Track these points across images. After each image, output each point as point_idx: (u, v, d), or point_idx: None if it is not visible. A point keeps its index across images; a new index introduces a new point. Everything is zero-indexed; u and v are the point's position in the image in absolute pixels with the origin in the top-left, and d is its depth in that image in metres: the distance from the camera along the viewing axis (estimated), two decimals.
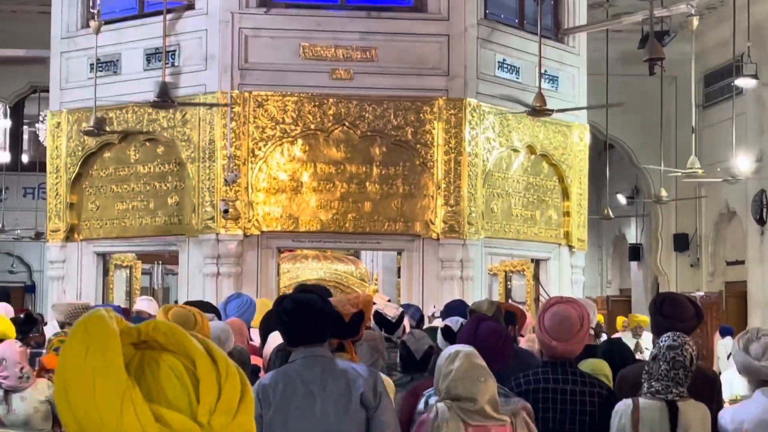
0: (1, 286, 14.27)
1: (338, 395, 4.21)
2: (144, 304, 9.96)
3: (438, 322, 8.40)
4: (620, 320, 16.17)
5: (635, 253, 23.06)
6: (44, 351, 7.50)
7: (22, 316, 8.78)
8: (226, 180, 11.16)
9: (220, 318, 7.29)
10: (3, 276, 26.25)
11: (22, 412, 6.40)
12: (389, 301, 8.22)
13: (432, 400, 4.71)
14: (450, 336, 5.75)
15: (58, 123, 12.60)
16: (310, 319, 4.31)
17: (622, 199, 22.10)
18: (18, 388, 6.42)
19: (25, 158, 25.44)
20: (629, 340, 13.54)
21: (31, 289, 27.09)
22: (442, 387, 4.38)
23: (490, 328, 5.10)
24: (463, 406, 4.33)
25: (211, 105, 11.36)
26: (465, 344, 4.61)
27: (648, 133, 18.90)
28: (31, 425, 6.42)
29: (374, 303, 7.00)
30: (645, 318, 13.43)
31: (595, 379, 5.01)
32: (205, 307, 7.41)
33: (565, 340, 4.88)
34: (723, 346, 15.25)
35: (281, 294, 11.85)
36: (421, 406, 4.78)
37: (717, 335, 16.25)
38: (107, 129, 11.82)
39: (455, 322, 5.89)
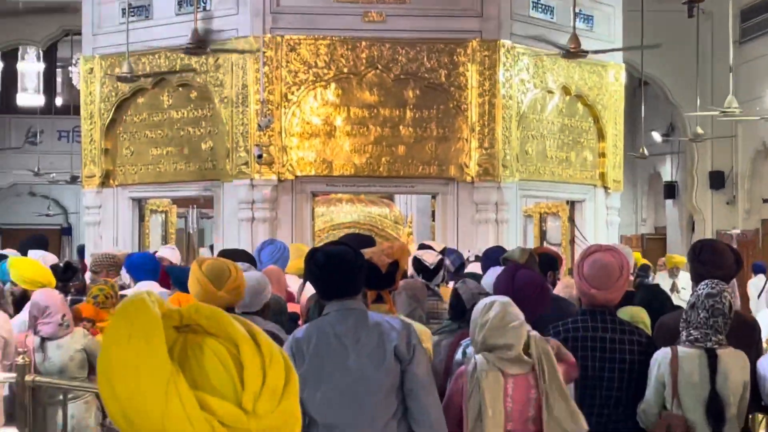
0: (39, 232, 14.35)
1: (372, 348, 4.20)
2: (167, 251, 9.89)
3: (473, 267, 8.41)
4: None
5: (670, 191, 22.93)
6: (84, 299, 7.59)
7: (61, 265, 8.86)
8: (259, 125, 11.13)
9: (255, 266, 7.31)
10: (40, 219, 26.56)
11: (58, 360, 6.48)
12: (441, 249, 8.12)
13: (469, 351, 4.73)
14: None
15: (91, 69, 12.60)
16: (342, 272, 4.29)
17: (657, 136, 21.90)
18: (55, 336, 6.50)
19: (59, 101, 25.53)
20: (665, 281, 13.52)
21: (67, 231, 27.41)
22: (479, 338, 4.40)
23: (526, 277, 5.10)
24: (500, 355, 4.35)
25: (243, 51, 11.31)
26: (502, 295, 4.62)
27: (684, 71, 18.63)
28: (66, 373, 6.51)
29: (427, 247, 6.98)
30: (682, 259, 13.36)
31: (634, 327, 5.01)
32: (240, 255, 7.42)
33: (604, 289, 4.88)
34: (754, 285, 15.15)
35: (316, 239, 11.98)
36: (458, 355, 4.79)
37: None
38: (140, 74, 11.81)
39: (494, 271, 5.83)
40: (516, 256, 6.27)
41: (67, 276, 8.15)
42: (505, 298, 4.46)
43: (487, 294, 5.70)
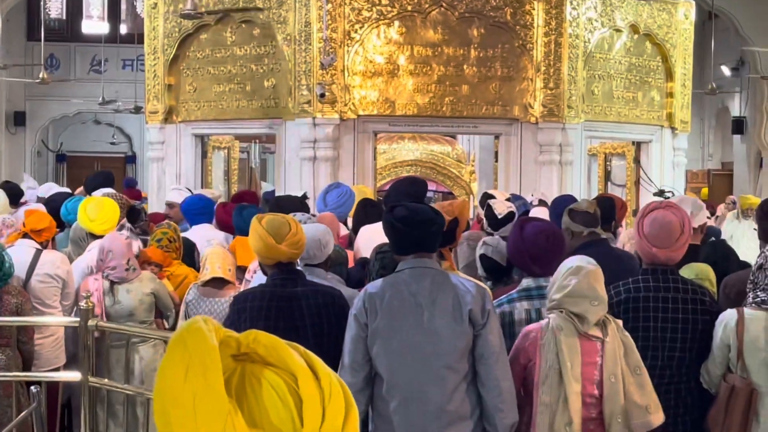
0: (105, 166, 14.50)
1: (448, 310, 4.21)
2: (174, 195, 9.60)
3: (536, 211, 8.33)
4: None
5: (739, 126, 22.53)
6: (149, 239, 7.69)
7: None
8: (322, 63, 11.07)
9: (307, 211, 7.29)
10: (105, 147, 26.91)
11: (128, 303, 6.61)
12: (511, 197, 8.01)
13: (507, 310, 4.72)
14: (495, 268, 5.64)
15: (155, 4, 12.58)
16: (422, 228, 4.29)
17: (726, 71, 21.47)
18: (124, 280, 6.61)
19: (123, 29, 25.53)
20: (732, 223, 13.26)
21: (131, 159, 27.72)
22: (555, 297, 4.38)
23: (535, 227, 5.00)
24: (573, 321, 4.34)
25: None
26: (586, 257, 4.55)
27: (755, 3, 18.22)
28: (135, 317, 6.63)
29: (490, 196, 6.94)
30: (757, 200, 13.02)
31: (697, 287, 4.94)
32: (293, 202, 7.44)
33: (666, 247, 4.81)
34: None
35: (378, 177, 11.97)
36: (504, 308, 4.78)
37: None
38: (203, 11, 11.78)
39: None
40: (584, 207, 6.22)
41: (132, 219, 8.24)
42: (593, 266, 4.41)
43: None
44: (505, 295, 4.83)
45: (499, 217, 6.49)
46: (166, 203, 9.10)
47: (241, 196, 9.50)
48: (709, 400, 4.81)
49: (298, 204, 7.38)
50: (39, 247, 6.76)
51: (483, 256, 5.59)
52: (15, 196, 10.34)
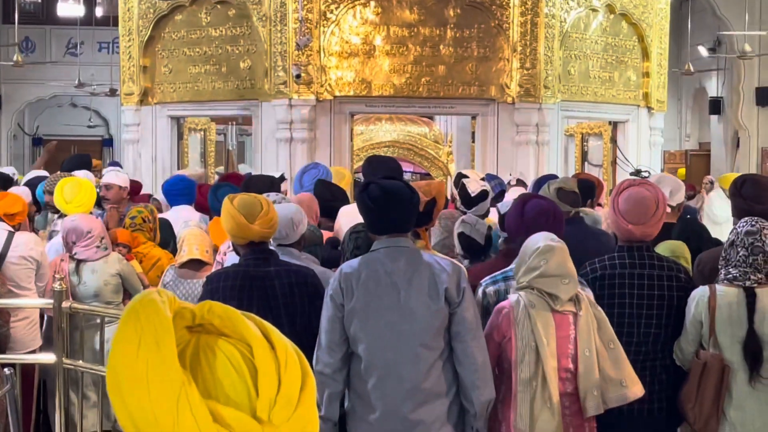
0: (84, 152, 14.34)
1: (423, 289, 4.21)
2: (111, 176, 8.75)
3: (515, 191, 8.35)
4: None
5: (716, 106, 22.62)
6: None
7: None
8: (297, 44, 11.05)
9: (278, 191, 7.24)
10: (82, 130, 26.80)
11: (93, 284, 6.58)
12: (486, 177, 8.02)
13: (490, 290, 4.72)
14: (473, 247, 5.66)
15: None
16: (397, 208, 4.27)
17: (703, 51, 21.46)
18: (90, 259, 6.57)
19: (98, 12, 25.35)
20: (713, 203, 13.31)
21: (108, 142, 27.63)
22: (524, 279, 4.39)
23: (537, 206, 5.01)
24: (545, 298, 4.37)
25: None
26: (549, 234, 4.55)
27: None
28: (101, 297, 6.60)
29: (464, 176, 6.92)
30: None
31: (673, 263, 4.96)
32: (265, 182, 7.39)
33: (641, 223, 4.83)
34: None
35: (355, 159, 11.95)
36: (479, 296, 4.77)
37: None
38: None
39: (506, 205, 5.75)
40: (571, 187, 6.23)
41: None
42: (560, 244, 4.42)
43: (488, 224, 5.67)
44: (500, 272, 4.82)
45: (472, 195, 6.44)
46: (103, 185, 8.47)
47: (227, 179, 9.38)
48: (682, 377, 4.83)
49: (269, 184, 7.30)
50: (11, 229, 6.72)
51: (461, 235, 5.59)
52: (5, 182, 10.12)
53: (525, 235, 4.66)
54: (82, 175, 8.66)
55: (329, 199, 7.10)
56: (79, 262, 6.55)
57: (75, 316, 6.10)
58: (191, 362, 1.25)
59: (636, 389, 4.40)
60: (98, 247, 6.59)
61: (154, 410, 1.21)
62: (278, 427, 1.23)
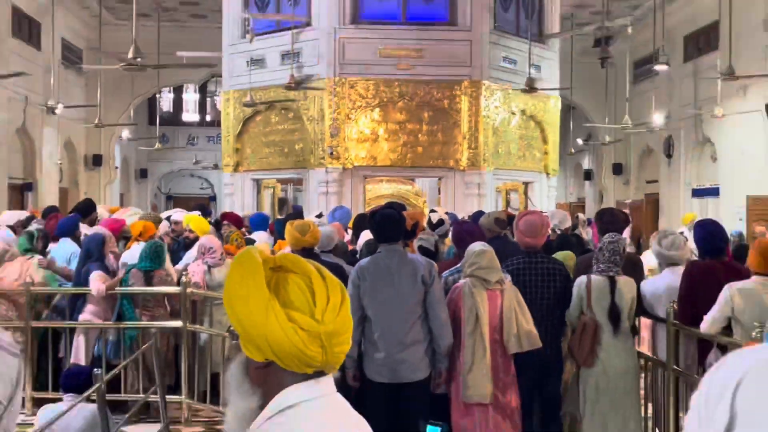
0: (200, 202, 14.43)
1: (408, 275, 4.19)
2: (178, 215, 8.05)
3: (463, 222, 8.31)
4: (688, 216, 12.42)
5: (588, 175, 22.62)
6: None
7: (213, 220, 8.85)
8: (331, 134, 11.13)
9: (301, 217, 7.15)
10: (197, 190, 26.79)
11: (218, 279, 6.51)
12: (446, 212, 8.00)
13: (449, 278, 4.71)
14: (427, 252, 5.55)
15: (228, 98, 12.59)
16: (392, 226, 4.27)
17: (580, 141, 21.59)
18: (216, 265, 6.55)
19: (208, 117, 25.59)
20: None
21: (213, 198, 27.56)
22: (468, 270, 4.38)
23: (468, 226, 5.07)
24: (481, 281, 4.36)
25: (321, 88, 11.27)
26: (481, 243, 4.57)
27: (597, 100, 18.42)
28: (222, 287, 6.52)
29: (433, 211, 6.92)
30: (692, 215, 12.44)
31: (555, 262, 4.90)
32: (299, 215, 7.30)
33: (534, 237, 4.82)
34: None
35: (369, 207, 11.92)
36: (443, 281, 4.72)
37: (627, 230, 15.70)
38: (257, 102, 11.80)
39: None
40: (503, 218, 6.22)
41: (217, 227, 8.18)
42: (488, 248, 4.39)
43: (435, 237, 5.66)
44: (454, 267, 4.77)
45: (434, 222, 6.53)
46: (172, 221, 7.75)
47: (226, 217, 8.70)
48: (563, 333, 4.80)
49: (300, 215, 7.33)
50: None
51: (420, 246, 5.62)
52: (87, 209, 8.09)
53: (466, 245, 4.70)
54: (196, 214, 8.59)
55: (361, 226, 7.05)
56: (210, 266, 6.53)
57: (197, 299, 6.06)
58: (274, 288, 1.25)
59: (538, 339, 4.38)
60: (220, 259, 6.55)
61: (252, 316, 1.22)
62: (328, 324, 1.23)
